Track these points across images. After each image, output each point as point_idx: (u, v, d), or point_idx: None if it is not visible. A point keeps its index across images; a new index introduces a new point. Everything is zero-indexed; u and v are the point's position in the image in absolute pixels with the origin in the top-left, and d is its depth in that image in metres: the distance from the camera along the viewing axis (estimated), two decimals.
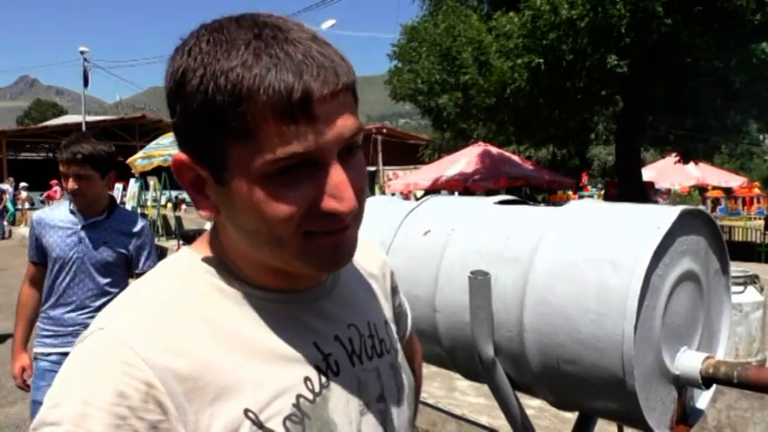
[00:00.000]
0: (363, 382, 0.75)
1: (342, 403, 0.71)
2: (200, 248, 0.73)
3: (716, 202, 20.74)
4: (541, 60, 8.60)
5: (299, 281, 0.73)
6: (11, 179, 22.53)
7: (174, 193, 19.48)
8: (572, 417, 1.96)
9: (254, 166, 0.61)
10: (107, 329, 0.63)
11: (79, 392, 0.58)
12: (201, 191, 0.67)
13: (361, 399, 0.74)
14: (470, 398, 4.18)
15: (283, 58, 0.59)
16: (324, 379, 0.70)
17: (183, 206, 20.26)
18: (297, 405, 0.66)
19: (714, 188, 21.11)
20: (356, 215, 0.67)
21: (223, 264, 0.71)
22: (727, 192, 21.60)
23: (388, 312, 0.90)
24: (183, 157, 0.66)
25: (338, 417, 0.69)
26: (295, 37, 0.61)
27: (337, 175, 0.63)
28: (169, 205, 15.50)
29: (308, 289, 0.74)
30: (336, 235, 0.66)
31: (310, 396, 0.68)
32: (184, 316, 0.65)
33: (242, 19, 0.63)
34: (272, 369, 0.66)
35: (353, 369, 0.74)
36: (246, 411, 0.63)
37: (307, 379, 0.68)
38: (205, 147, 0.63)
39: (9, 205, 20.96)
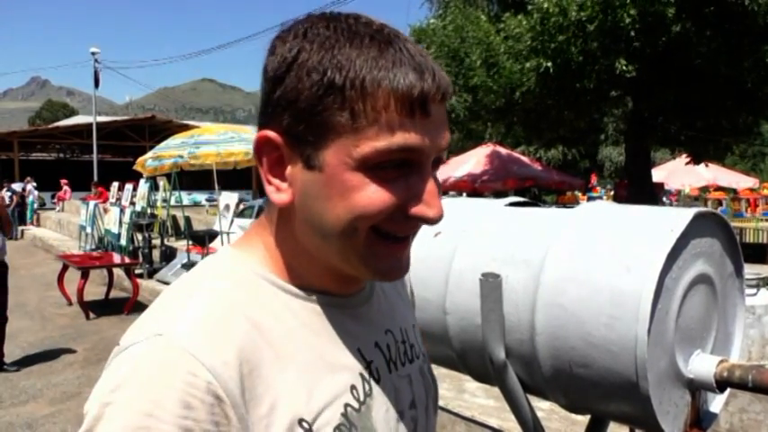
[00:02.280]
0: (399, 389, 0.75)
1: (383, 411, 0.70)
2: (246, 247, 0.71)
3: (718, 203, 20.46)
4: (550, 64, 8.56)
5: (347, 284, 0.72)
6: (28, 178, 22.67)
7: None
8: (583, 419, 1.95)
9: (361, 153, 0.60)
10: (167, 337, 0.59)
11: (139, 403, 0.55)
12: (279, 174, 0.66)
13: (397, 406, 0.73)
14: (480, 400, 4.17)
15: (407, 55, 0.61)
16: (367, 387, 0.70)
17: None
18: (345, 414, 0.65)
19: (717, 189, 20.86)
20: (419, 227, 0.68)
21: (272, 265, 0.69)
22: (732, 193, 21.35)
23: (413, 317, 0.90)
24: (273, 134, 0.64)
25: (380, 425, 0.69)
26: (410, 40, 0.64)
27: (432, 184, 0.64)
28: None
29: (350, 295, 0.74)
30: (399, 245, 0.66)
31: (356, 405, 0.67)
32: (239, 322, 0.62)
33: (358, 16, 0.65)
34: (322, 377, 0.66)
35: (391, 376, 0.74)
36: (301, 421, 0.61)
37: (353, 387, 0.68)
38: (308, 126, 0.62)
39: (29, 205, 21.11)
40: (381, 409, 0.70)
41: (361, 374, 0.70)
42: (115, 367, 0.59)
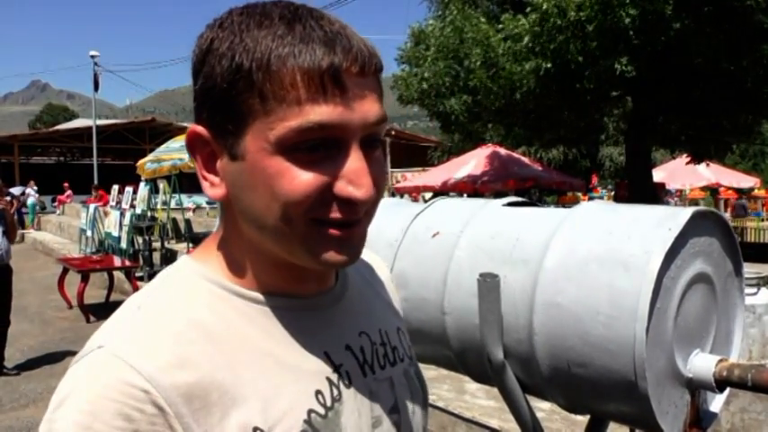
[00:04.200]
0: (376, 393, 0.71)
1: (354, 417, 0.67)
2: (200, 256, 0.70)
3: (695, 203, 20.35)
4: (549, 65, 8.56)
5: (306, 282, 0.69)
6: (31, 182, 22.69)
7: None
8: (583, 420, 1.94)
9: (276, 136, 0.58)
10: (107, 348, 0.58)
11: (79, 417, 0.54)
12: (213, 169, 0.64)
13: (373, 411, 0.70)
14: (480, 400, 4.16)
15: (318, 30, 0.59)
16: (336, 392, 0.66)
17: None
18: (308, 421, 0.63)
19: (698, 189, 20.72)
20: (369, 210, 0.64)
21: (226, 269, 0.67)
22: (714, 193, 21.26)
23: (399, 321, 0.86)
24: (200, 129, 0.63)
25: (350, 431, 0.66)
26: (329, 18, 0.61)
27: (358, 161, 0.60)
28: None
29: (316, 295, 0.71)
30: (344, 229, 0.62)
31: (322, 411, 0.64)
32: (187, 330, 0.61)
33: (279, 1, 0.63)
34: (282, 383, 0.63)
35: (365, 380, 0.71)
36: (255, 430, 0.59)
37: (318, 392, 0.65)
38: (225, 114, 0.60)
39: (30, 208, 21.14)
40: (353, 414, 0.67)
41: (329, 379, 0.66)
42: (61, 384, 0.59)
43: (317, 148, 0.59)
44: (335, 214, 0.61)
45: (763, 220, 18.28)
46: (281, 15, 0.60)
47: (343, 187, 0.60)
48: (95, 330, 0.64)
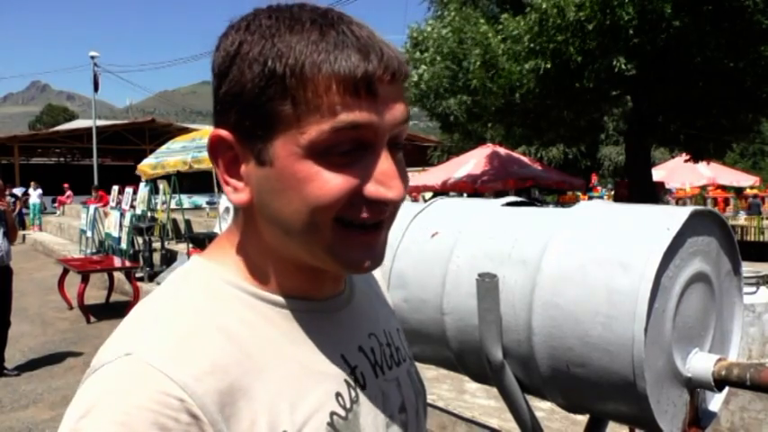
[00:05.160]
0: (387, 393, 0.73)
1: (371, 418, 0.68)
2: (215, 257, 0.69)
3: (683, 202, 20.26)
4: (549, 65, 8.56)
5: (323, 286, 0.70)
6: (33, 183, 22.69)
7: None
8: (583, 419, 1.94)
9: (307, 139, 0.58)
10: (135, 356, 0.56)
11: (112, 428, 0.52)
12: (236, 174, 0.64)
13: (386, 411, 0.71)
14: (481, 400, 4.16)
15: (350, 36, 0.59)
16: (353, 393, 0.67)
17: None
18: (331, 423, 0.63)
19: (699, 188, 20.67)
20: (393, 212, 0.65)
21: (246, 272, 0.67)
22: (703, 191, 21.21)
23: (396, 320, 0.88)
24: (224, 133, 0.62)
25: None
26: (357, 22, 0.62)
27: (387, 162, 0.61)
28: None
29: (330, 298, 0.72)
30: (371, 233, 0.63)
31: (343, 413, 0.65)
32: (212, 335, 0.60)
33: (303, 4, 0.63)
34: (305, 386, 0.63)
35: (377, 380, 0.72)
36: None
37: (338, 394, 0.66)
38: (254, 120, 0.60)
39: (34, 209, 21.14)
40: (369, 415, 0.68)
41: (346, 381, 0.67)
42: (84, 391, 0.57)
43: (347, 151, 0.60)
44: (363, 214, 0.62)
45: (764, 219, 18.25)
46: (312, 20, 0.60)
47: (374, 189, 0.61)
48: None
